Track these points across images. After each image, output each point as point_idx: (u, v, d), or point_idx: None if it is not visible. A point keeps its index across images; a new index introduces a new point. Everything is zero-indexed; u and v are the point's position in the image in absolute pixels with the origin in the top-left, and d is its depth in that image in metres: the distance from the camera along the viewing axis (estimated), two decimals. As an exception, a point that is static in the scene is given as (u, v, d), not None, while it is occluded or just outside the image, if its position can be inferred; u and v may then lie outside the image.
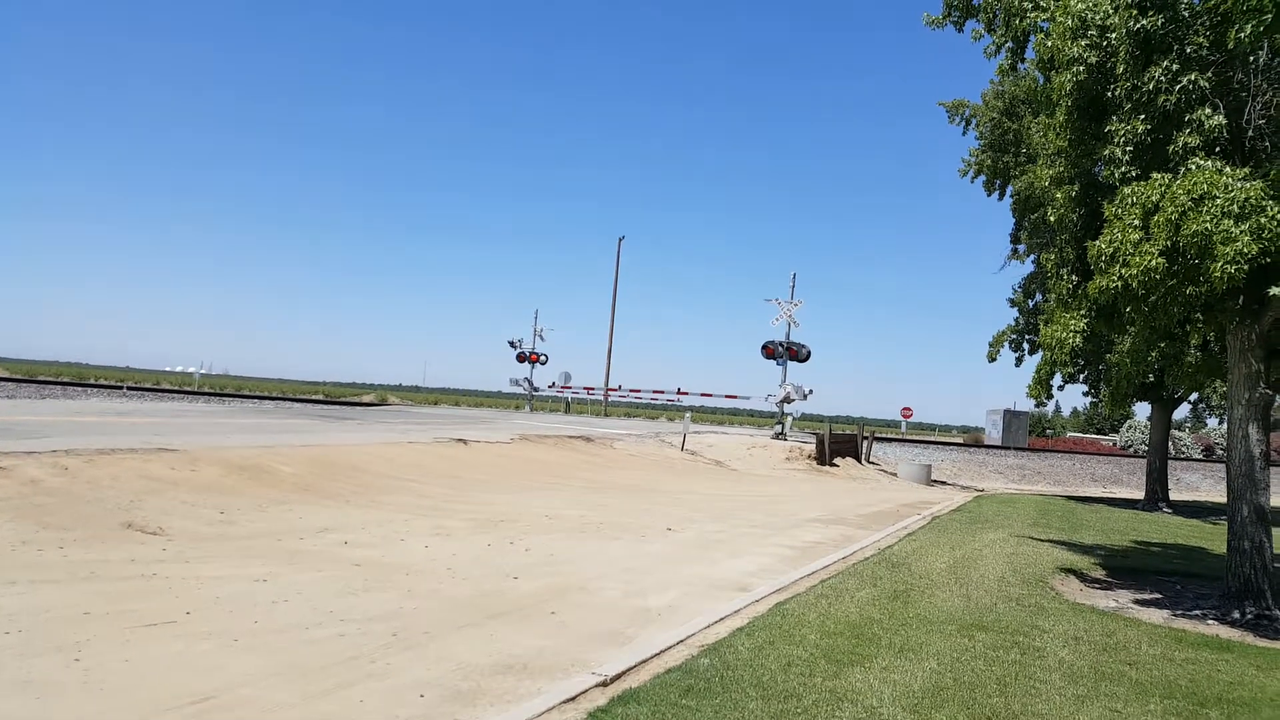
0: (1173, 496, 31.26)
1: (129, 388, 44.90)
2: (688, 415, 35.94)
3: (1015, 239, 29.34)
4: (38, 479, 11.17)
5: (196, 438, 16.81)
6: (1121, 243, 9.13)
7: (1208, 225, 8.34)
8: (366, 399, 55.13)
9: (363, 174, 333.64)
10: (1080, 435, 75.80)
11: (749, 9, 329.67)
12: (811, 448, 32.90)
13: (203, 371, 59.56)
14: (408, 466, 17.69)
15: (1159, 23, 9.25)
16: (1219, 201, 8.37)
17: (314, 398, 50.72)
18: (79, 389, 41.88)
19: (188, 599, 7.38)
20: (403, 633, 6.91)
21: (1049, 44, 10.32)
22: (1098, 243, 9.49)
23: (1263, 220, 8.19)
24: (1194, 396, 36.21)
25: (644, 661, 6.53)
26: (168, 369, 67.52)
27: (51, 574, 7.81)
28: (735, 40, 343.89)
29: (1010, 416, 53.10)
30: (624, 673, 6.22)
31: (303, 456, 16.01)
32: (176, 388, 47.92)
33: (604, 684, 5.96)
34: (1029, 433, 57.14)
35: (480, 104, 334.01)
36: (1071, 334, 10.53)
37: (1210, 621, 10.03)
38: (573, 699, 5.64)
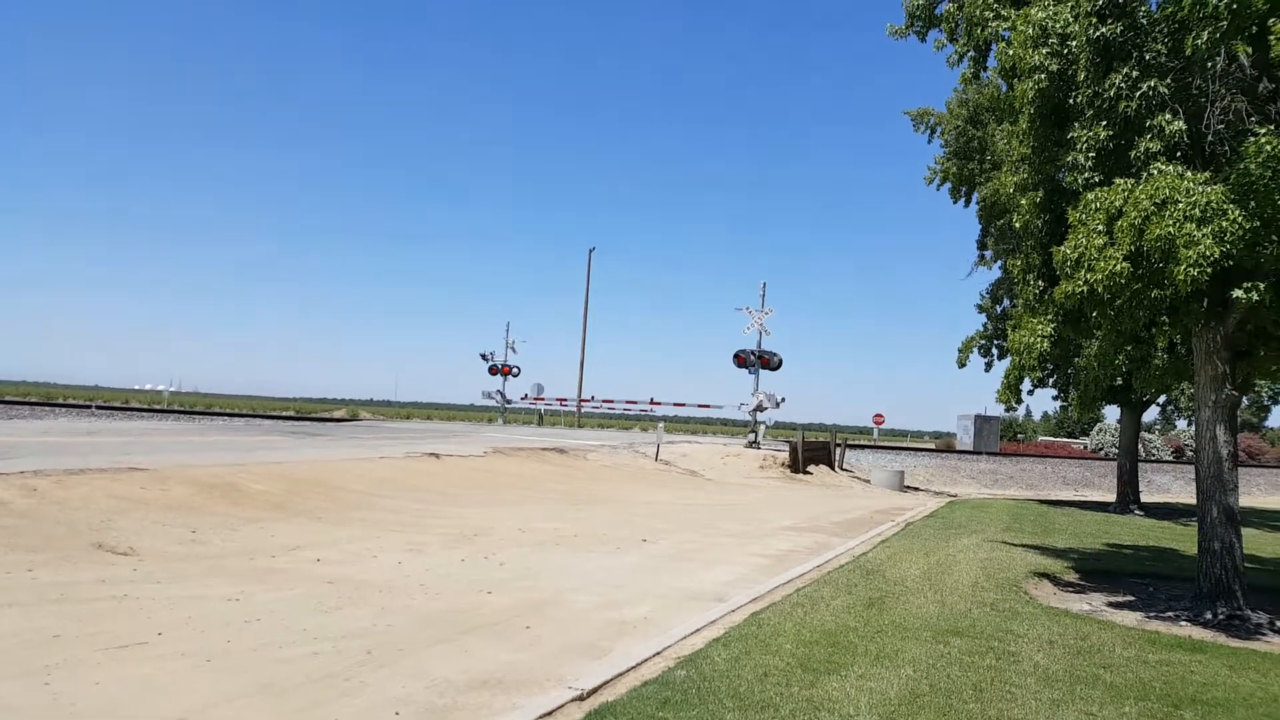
0: (1144, 498, 31.58)
1: (98, 407, 44.40)
2: (661, 425, 35.93)
3: (982, 245, 29.54)
4: (5, 500, 11.02)
5: (167, 456, 16.63)
6: (1086, 248, 9.22)
7: (1170, 229, 8.44)
8: (338, 414, 54.73)
9: (331, 185, 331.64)
10: (1051, 439, 76.43)
11: (732, 16, 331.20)
12: (785, 456, 33.00)
13: (172, 389, 59.09)
14: (380, 482, 17.58)
15: (1118, 30, 9.38)
16: (1181, 206, 8.48)
17: (285, 414, 50.33)
18: (47, 409, 41.34)
19: (159, 620, 7.29)
20: (377, 650, 6.86)
21: (1010, 53, 10.42)
22: (1063, 248, 9.59)
23: (1224, 224, 8.30)
24: (1163, 399, 36.64)
25: (620, 674, 6.52)
26: (137, 387, 66.91)
27: (20, 596, 7.68)
28: (712, 48, 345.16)
29: (981, 422, 53.44)
30: (600, 686, 6.20)
31: (274, 474, 15.88)
32: (146, 406, 47.41)
33: (580, 698, 5.94)
34: (1000, 437, 57.57)
35: (453, 114, 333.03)
36: (1039, 339, 10.62)
37: (1183, 623, 10.12)
38: (549, 714, 5.62)
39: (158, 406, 47.39)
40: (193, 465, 15.36)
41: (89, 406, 44.21)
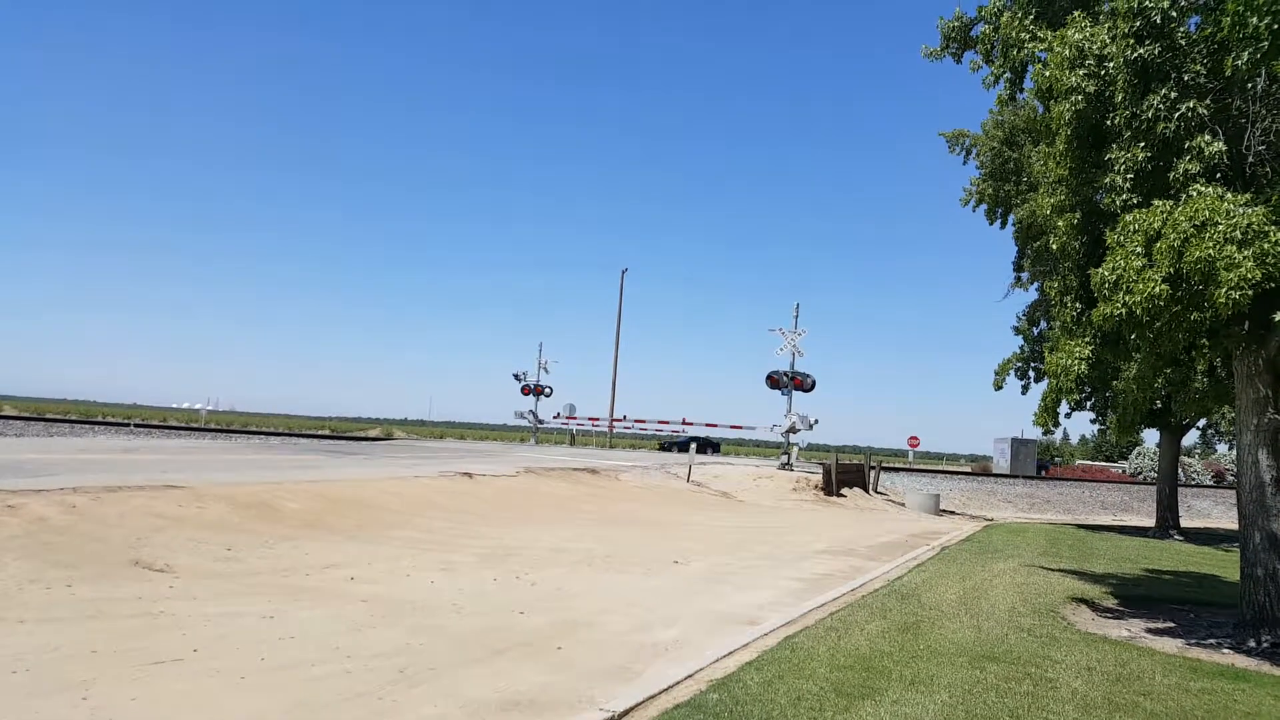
0: (1184, 523, 31.12)
1: (136, 425, 44.99)
2: (693, 446, 35.84)
3: (1018, 267, 29.37)
4: (45, 517, 11.17)
5: (203, 474, 16.80)
6: (1124, 270, 9.14)
7: (1211, 251, 8.35)
8: (372, 433, 55.11)
9: (364, 207, 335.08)
10: (1089, 463, 75.49)
11: (756, 37, 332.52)
12: (818, 478, 32.79)
13: (209, 408, 59.83)
14: (414, 501, 17.65)
15: (1156, 51, 9.32)
16: (1221, 228, 8.39)
17: (320, 433, 50.78)
18: (86, 426, 41.98)
19: (194, 636, 7.35)
20: (409, 669, 6.88)
21: (1047, 74, 10.39)
22: (1101, 270, 9.51)
23: (1266, 246, 8.21)
24: (1202, 422, 36.07)
25: (652, 697, 6.49)
26: (175, 405, 67.91)
27: (59, 612, 7.79)
28: (741, 68, 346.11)
29: (1018, 445, 52.94)
30: (632, 709, 6.18)
31: (309, 492, 15.99)
32: (183, 424, 47.97)
33: (612, 720, 5.92)
34: (1037, 461, 56.95)
35: (483, 135, 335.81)
36: (1077, 361, 10.52)
37: (1225, 650, 9.94)
38: (581, 735, 5.61)
39: (195, 425, 47.96)
40: (229, 483, 15.51)
41: (127, 425, 44.82)
